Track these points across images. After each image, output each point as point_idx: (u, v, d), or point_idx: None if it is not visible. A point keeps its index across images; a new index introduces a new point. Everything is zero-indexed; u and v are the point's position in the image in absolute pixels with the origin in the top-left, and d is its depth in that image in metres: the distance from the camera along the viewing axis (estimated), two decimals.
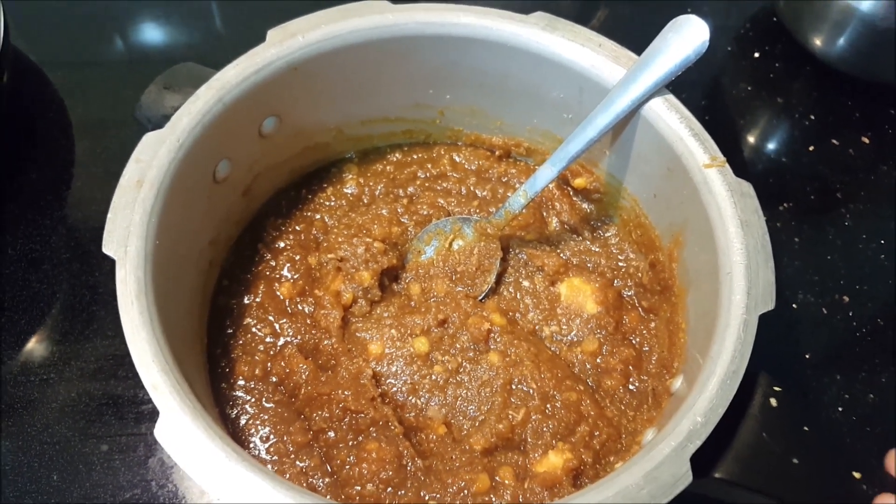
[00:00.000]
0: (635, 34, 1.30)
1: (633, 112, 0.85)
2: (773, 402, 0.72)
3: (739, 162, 1.22)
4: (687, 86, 1.17)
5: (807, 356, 1.02)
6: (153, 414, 0.92)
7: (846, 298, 1.07)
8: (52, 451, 0.92)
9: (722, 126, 1.27)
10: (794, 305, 1.06)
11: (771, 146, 1.25)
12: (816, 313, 1.06)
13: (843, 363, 1.02)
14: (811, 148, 1.24)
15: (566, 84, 0.91)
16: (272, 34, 0.86)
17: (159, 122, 0.82)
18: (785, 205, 1.17)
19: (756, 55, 1.35)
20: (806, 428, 0.72)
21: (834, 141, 1.24)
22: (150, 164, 0.77)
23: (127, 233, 0.74)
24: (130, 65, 1.32)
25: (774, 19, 1.36)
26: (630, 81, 0.84)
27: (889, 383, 1.00)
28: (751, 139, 1.26)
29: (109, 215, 0.75)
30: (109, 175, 1.12)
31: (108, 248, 0.73)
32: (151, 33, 1.37)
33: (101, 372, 0.97)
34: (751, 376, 0.71)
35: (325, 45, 0.87)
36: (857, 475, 0.69)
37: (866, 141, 1.24)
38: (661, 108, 0.84)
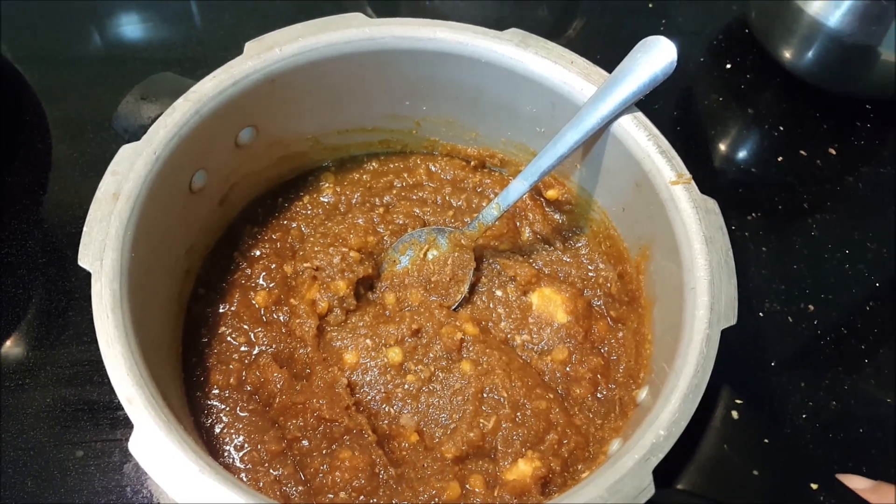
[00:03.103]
0: (610, 44, 1.33)
1: (604, 128, 0.87)
2: (735, 414, 0.74)
3: (709, 171, 1.24)
4: (659, 95, 1.18)
5: (772, 364, 1.04)
6: (128, 420, 0.92)
7: (811, 307, 1.09)
8: (27, 457, 0.92)
9: (693, 136, 1.29)
10: (760, 314, 1.08)
11: (741, 156, 1.28)
12: (782, 322, 1.08)
13: (807, 371, 1.04)
14: (780, 158, 1.26)
15: (539, 99, 0.93)
16: (249, 46, 0.87)
17: (136, 133, 0.82)
18: (753, 214, 1.19)
19: (728, 66, 1.37)
20: (766, 440, 0.74)
21: (802, 152, 1.26)
22: (126, 176, 0.78)
23: (103, 246, 0.74)
24: (109, 66, 1.32)
25: (746, 31, 1.38)
26: (600, 99, 0.85)
27: (851, 391, 1.02)
28: (721, 149, 1.28)
29: (85, 228, 0.75)
30: (87, 179, 1.15)
31: (83, 261, 0.74)
32: (131, 34, 1.37)
33: (77, 378, 0.98)
34: (714, 389, 0.73)
35: (302, 58, 0.88)
36: (814, 486, 0.71)
37: (833, 152, 1.26)
38: (630, 125, 0.85)
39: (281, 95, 0.91)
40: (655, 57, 0.84)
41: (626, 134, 0.86)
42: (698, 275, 0.77)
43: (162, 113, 0.82)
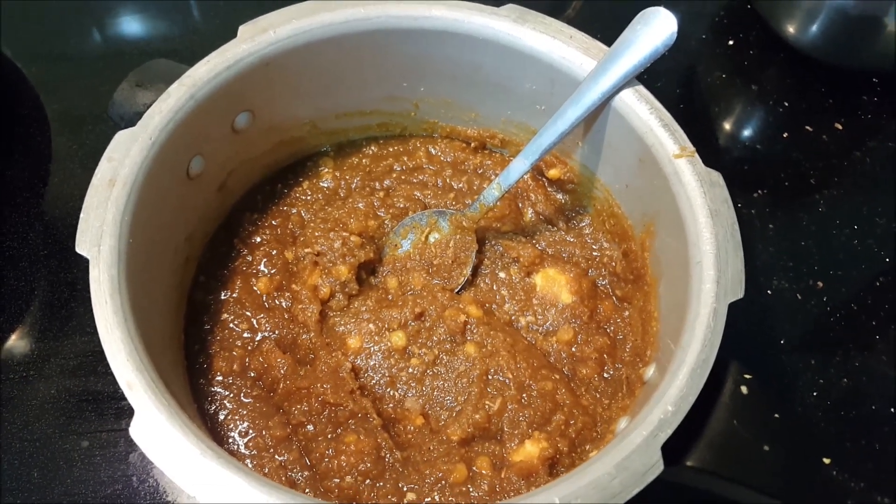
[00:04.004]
0: (611, 23, 1.30)
1: (605, 104, 0.86)
2: (744, 389, 0.73)
3: (714, 149, 1.23)
4: (662, 74, 1.17)
5: (781, 342, 1.03)
6: (133, 410, 0.93)
7: (820, 284, 1.08)
8: (33, 449, 0.92)
9: (697, 114, 1.28)
10: (768, 291, 1.07)
11: (746, 133, 1.26)
12: (791, 299, 1.07)
13: (817, 348, 1.03)
14: (785, 135, 1.24)
15: (538, 76, 0.91)
16: (243, 29, 0.86)
17: (132, 120, 0.82)
18: (759, 191, 1.17)
19: (730, 42, 1.35)
20: (776, 415, 0.73)
21: (808, 127, 1.25)
22: (122, 162, 0.77)
23: (100, 232, 0.74)
24: (107, 59, 1.31)
25: (749, 7, 1.37)
26: (600, 73, 0.84)
27: (862, 367, 1.01)
28: (726, 126, 1.26)
29: (82, 215, 0.75)
30: (87, 171, 1.12)
31: (81, 247, 0.73)
32: (129, 27, 1.36)
33: (81, 368, 0.98)
34: (722, 364, 0.72)
35: (296, 40, 0.87)
36: (826, 461, 0.70)
37: (839, 127, 1.25)
38: (632, 99, 0.84)
39: (276, 79, 0.90)
40: (656, 28, 0.83)
41: (627, 108, 0.85)
42: (704, 248, 0.76)
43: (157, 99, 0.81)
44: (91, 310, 1.00)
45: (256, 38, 0.86)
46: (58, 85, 1.26)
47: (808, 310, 1.06)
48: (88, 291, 1.01)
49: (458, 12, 0.89)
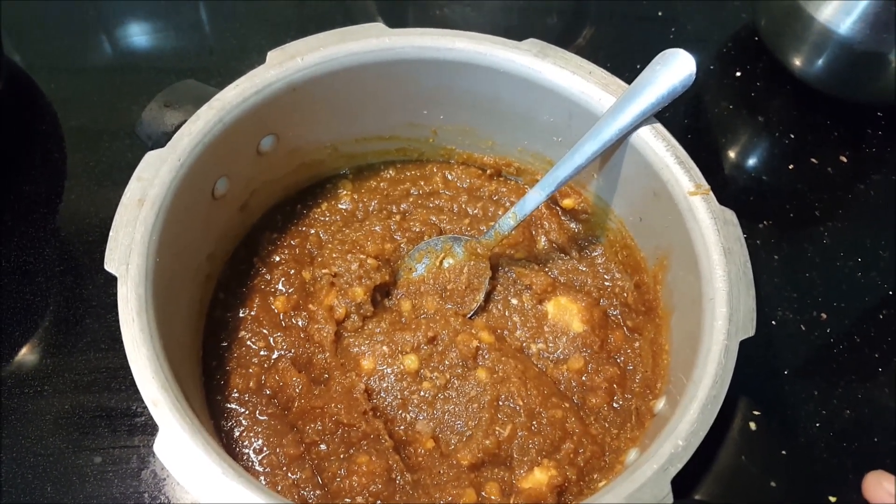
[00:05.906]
0: (621, 52, 1.34)
1: (622, 139, 0.87)
2: (753, 425, 0.75)
3: (720, 180, 1.24)
4: (669, 104, 1.19)
5: (785, 372, 1.04)
6: (146, 426, 0.94)
7: (824, 315, 1.09)
8: (46, 463, 0.92)
9: (703, 144, 1.29)
10: (773, 322, 1.08)
11: (751, 164, 1.28)
12: (795, 330, 1.08)
13: (820, 379, 1.04)
14: (791, 166, 1.26)
15: (556, 109, 0.93)
16: (272, 55, 0.88)
17: (159, 140, 0.83)
18: (765, 222, 1.19)
19: (738, 73, 1.37)
20: (784, 452, 0.74)
21: (813, 159, 1.26)
22: (151, 182, 0.79)
23: (128, 251, 0.75)
24: (124, 75, 1.32)
25: (756, 38, 1.38)
26: (619, 110, 0.86)
27: (865, 399, 1.02)
28: (731, 157, 1.28)
29: (111, 233, 0.76)
30: (102, 188, 1.16)
31: (109, 265, 0.75)
32: (143, 43, 1.37)
33: (95, 384, 0.98)
34: (731, 400, 0.73)
35: (323, 68, 0.89)
36: (832, 499, 0.71)
37: (844, 160, 1.26)
38: (649, 135, 0.86)
39: (302, 104, 0.91)
40: (674, 69, 0.85)
41: (644, 144, 0.86)
42: (717, 286, 0.78)
43: (185, 120, 0.83)
44: (105, 326, 1.02)
45: (284, 64, 0.87)
46: (75, 101, 1.27)
47: (811, 341, 1.07)
48: (103, 308, 1.04)
49: (481, 45, 0.91)
